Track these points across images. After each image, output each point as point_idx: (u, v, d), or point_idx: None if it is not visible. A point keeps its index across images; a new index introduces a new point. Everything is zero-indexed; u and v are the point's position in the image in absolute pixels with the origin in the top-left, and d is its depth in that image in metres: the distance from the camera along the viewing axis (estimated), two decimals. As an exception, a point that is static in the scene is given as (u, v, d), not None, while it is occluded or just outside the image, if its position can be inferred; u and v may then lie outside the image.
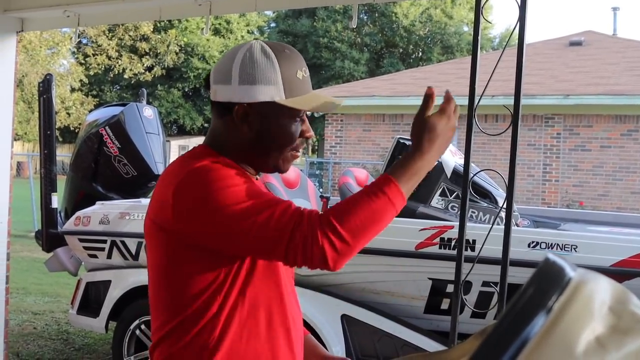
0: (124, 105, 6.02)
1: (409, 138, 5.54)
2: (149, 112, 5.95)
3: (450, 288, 3.96)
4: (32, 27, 5.20)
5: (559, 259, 0.71)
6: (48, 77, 5.66)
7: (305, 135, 1.78)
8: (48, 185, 5.60)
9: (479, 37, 3.25)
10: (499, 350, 0.63)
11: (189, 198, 1.60)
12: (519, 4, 3.16)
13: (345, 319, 4.28)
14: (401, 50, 36.07)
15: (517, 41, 3.18)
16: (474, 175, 3.77)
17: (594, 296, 0.68)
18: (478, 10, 3.24)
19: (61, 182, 5.85)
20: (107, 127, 5.68)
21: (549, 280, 0.68)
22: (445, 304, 4.18)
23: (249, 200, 1.56)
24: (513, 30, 3.19)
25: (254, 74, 1.69)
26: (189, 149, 1.82)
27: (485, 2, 3.28)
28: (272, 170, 1.81)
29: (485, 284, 3.95)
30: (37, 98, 5.79)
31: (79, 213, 5.16)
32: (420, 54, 36.34)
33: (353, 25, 3.88)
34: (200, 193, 1.59)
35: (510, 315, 0.65)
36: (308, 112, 1.79)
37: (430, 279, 4.18)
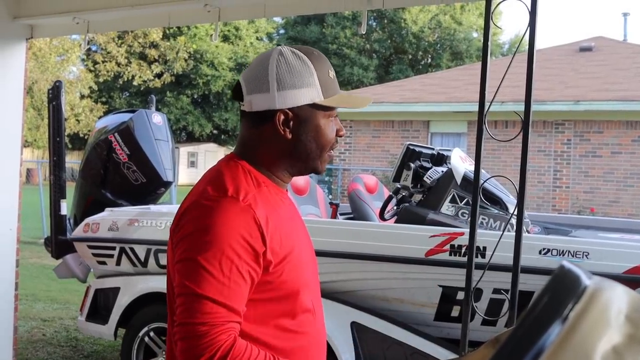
0: (133, 112, 6.03)
1: (419, 144, 5.47)
2: (158, 118, 5.96)
3: (460, 295, 3.94)
4: (41, 34, 5.21)
5: (574, 267, 0.69)
6: (57, 84, 5.67)
7: (340, 134, 1.80)
8: (57, 192, 5.60)
9: (489, 43, 3.23)
10: (513, 359, 0.61)
11: (185, 225, 1.63)
12: (529, 9, 3.14)
13: (355, 327, 4.25)
14: (410, 56, 36.09)
15: (527, 47, 3.16)
16: (485, 181, 3.74)
17: (610, 305, 0.66)
18: (488, 15, 3.22)
19: (70, 188, 5.86)
20: (116, 134, 5.69)
21: (564, 289, 0.66)
22: (455, 312, 4.15)
23: (212, 275, 1.54)
24: (523, 36, 3.17)
25: (294, 79, 1.69)
26: (225, 156, 1.82)
27: (496, 7, 3.26)
28: (310, 172, 1.83)
29: (496, 291, 3.92)
30: (46, 105, 5.79)
31: (88, 220, 5.15)
32: (430, 60, 36.35)
33: (362, 31, 3.87)
34: (191, 232, 1.60)
35: (526, 323, 0.63)
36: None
37: (440, 286, 4.15)
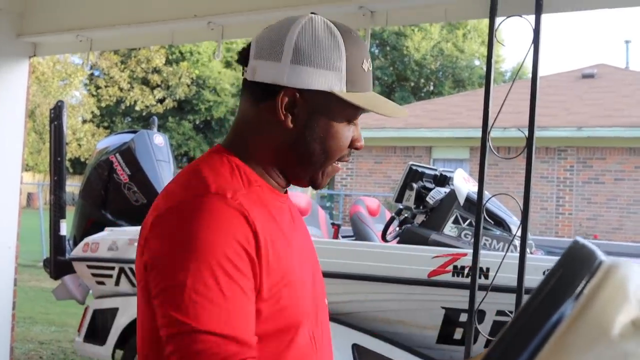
0: (134, 132, 6.02)
1: (421, 164, 5.44)
2: (159, 139, 5.95)
3: (463, 317, 3.88)
4: (44, 52, 5.22)
5: (588, 242, 0.66)
6: (59, 104, 5.67)
7: (356, 145, 1.40)
8: (57, 212, 5.57)
9: (493, 51, 3.22)
10: (527, 333, 0.58)
11: (157, 241, 1.24)
12: (533, 27, 3.13)
13: (356, 348, 4.20)
14: (412, 84, 36.22)
15: (530, 69, 3.15)
16: (487, 200, 3.71)
17: (627, 280, 0.63)
18: (492, 32, 3.21)
19: (70, 212, 5.83)
20: (117, 155, 5.67)
21: (578, 264, 0.63)
22: (458, 334, 4.10)
23: (209, 300, 1.14)
24: (527, 53, 3.15)
25: (313, 53, 1.30)
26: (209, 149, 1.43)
27: (499, 24, 3.25)
28: (306, 184, 1.42)
29: (500, 312, 3.86)
30: (48, 129, 5.80)
31: (87, 239, 5.12)
32: (432, 87, 36.49)
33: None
34: (168, 249, 1.20)
35: (539, 297, 0.60)
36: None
37: (443, 307, 4.10)
